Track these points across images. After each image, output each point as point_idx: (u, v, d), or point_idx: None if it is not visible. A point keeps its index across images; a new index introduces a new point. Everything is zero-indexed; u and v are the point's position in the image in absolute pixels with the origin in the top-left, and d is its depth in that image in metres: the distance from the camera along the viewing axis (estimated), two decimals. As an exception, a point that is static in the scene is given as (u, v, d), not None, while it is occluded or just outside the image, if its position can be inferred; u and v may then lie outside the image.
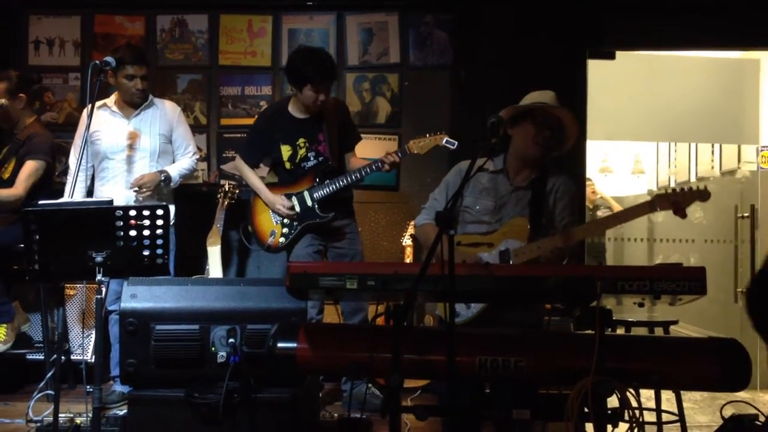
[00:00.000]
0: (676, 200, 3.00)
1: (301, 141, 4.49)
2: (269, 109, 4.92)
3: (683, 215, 3.04)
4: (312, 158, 4.50)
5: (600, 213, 7.91)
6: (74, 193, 4.13)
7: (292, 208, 4.46)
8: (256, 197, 4.63)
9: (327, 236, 4.53)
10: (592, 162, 7.69)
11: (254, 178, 4.60)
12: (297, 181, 4.51)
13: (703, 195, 3.00)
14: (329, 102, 4.52)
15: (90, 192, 4.71)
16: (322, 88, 4.34)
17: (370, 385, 4.23)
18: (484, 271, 2.72)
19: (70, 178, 4.45)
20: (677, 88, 6.53)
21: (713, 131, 6.79)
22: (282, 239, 4.51)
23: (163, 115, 4.67)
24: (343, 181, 4.44)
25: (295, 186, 4.51)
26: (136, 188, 4.48)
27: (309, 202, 4.47)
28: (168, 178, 4.60)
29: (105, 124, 4.61)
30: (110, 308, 4.42)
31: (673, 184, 8.32)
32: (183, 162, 4.72)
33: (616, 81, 6.10)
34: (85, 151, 4.19)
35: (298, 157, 4.49)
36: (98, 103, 4.52)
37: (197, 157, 4.85)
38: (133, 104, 4.61)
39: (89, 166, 4.65)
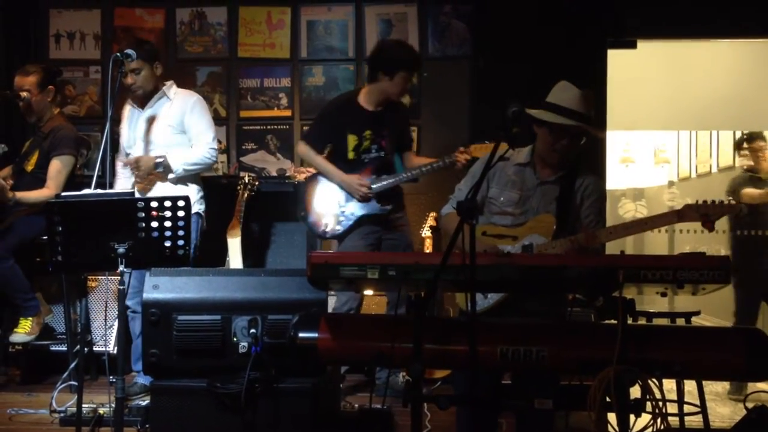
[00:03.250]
0: (705, 212, 2.97)
1: (367, 133, 4.56)
2: (339, 98, 4.96)
3: (711, 228, 3.02)
4: (374, 151, 4.58)
5: None
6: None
7: (369, 187, 4.51)
8: (312, 183, 4.67)
9: (380, 226, 4.58)
10: (612, 152, 7.64)
11: (323, 162, 4.61)
12: (357, 172, 4.56)
13: (734, 209, 2.99)
14: (399, 103, 4.71)
15: None
16: (410, 78, 4.51)
17: (403, 374, 4.28)
18: (506, 260, 2.71)
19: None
20: (701, 75, 6.48)
21: (738, 118, 6.73)
22: (338, 227, 4.56)
23: (175, 106, 4.53)
24: (403, 176, 4.56)
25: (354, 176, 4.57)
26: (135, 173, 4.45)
27: (368, 183, 4.54)
28: (164, 166, 4.40)
29: (127, 117, 4.64)
30: (128, 303, 4.35)
31: (694, 174, 8.26)
32: (193, 152, 4.47)
33: (637, 70, 6.06)
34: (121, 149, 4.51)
35: (362, 147, 4.57)
36: (129, 99, 4.64)
37: (215, 147, 4.57)
38: (145, 98, 4.53)
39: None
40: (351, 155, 4.57)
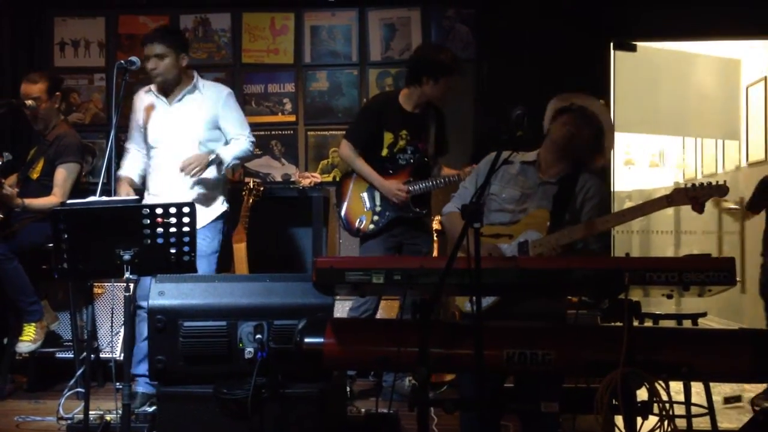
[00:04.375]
0: (694, 195, 2.98)
1: (403, 132, 4.62)
2: (380, 96, 5.09)
3: (700, 210, 3.04)
4: (409, 152, 4.63)
5: None
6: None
7: (408, 193, 4.55)
8: (347, 181, 4.73)
9: (407, 230, 4.63)
10: (616, 154, 7.66)
11: (364, 165, 4.63)
12: (394, 173, 4.61)
13: (721, 190, 2.99)
14: (437, 108, 4.74)
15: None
16: (452, 82, 4.54)
17: (410, 379, 4.28)
18: (511, 264, 2.71)
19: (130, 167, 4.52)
20: (680, 84, 6.55)
21: (704, 127, 6.86)
22: (372, 225, 4.60)
23: (207, 100, 4.43)
24: (440, 182, 4.60)
25: (391, 178, 4.60)
26: (184, 172, 4.27)
27: (407, 189, 4.58)
28: (218, 160, 4.35)
29: (149, 109, 4.44)
30: (141, 303, 4.32)
31: (700, 175, 8.26)
32: (237, 144, 4.43)
33: (639, 73, 6.07)
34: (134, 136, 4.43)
35: (397, 147, 4.62)
36: (145, 88, 4.49)
37: (253, 140, 4.53)
38: (167, 86, 4.39)
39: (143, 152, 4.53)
40: (385, 152, 4.62)
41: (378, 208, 4.60)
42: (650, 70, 6.28)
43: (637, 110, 6.31)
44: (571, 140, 3.25)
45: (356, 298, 4.57)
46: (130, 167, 4.54)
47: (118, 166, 4.44)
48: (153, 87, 4.47)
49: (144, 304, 4.16)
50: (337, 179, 5.03)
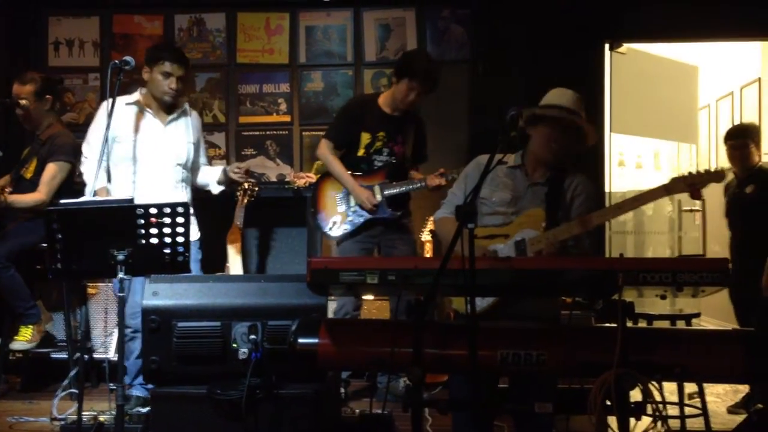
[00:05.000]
0: (692, 182, 2.99)
1: (381, 134, 4.61)
2: (360, 96, 5.12)
3: (698, 196, 3.06)
4: (385, 153, 4.63)
5: None
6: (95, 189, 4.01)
7: (377, 204, 4.56)
8: (323, 182, 4.72)
9: (385, 229, 4.63)
10: (614, 155, 7.70)
11: (340, 168, 4.63)
12: (369, 174, 4.61)
13: (718, 176, 3.00)
14: (417, 114, 4.75)
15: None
16: (416, 87, 4.47)
17: (404, 379, 4.28)
18: (505, 264, 2.71)
19: (89, 177, 4.19)
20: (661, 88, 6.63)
21: (670, 130, 6.91)
22: (346, 226, 4.61)
23: (194, 124, 4.46)
24: (415, 185, 4.59)
25: (366, 179, 4.60)
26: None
27: (379, 198, 4.56)
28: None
29: (135, 124, 4.30)
30: (128, 322, 4.20)
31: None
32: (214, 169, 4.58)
33: (630, 75, 6.10)
34: (104, 149, 3.95)
35: (374, 147, 4.62)
36: (126, 99, 4.29)
37: None
38: (164, 105, 4.32)
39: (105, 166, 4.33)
40: (361, 152, 4.62)
41: (352, 210, 4.60)
42: (640, 73, 6.31)
43: (633, 112, 6.33)
44: (552, 153, 3.27)
45: (337, 301, 4.57)
46: (102, 179, 4.30)
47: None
48: (142, 101, 4.33)
49: (132, 323, 4.09)
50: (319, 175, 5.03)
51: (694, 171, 3.05)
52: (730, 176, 5.01)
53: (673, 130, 7.05)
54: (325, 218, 4.66)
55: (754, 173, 4.86)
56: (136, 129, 4.30)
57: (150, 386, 4.28)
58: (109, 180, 4.34)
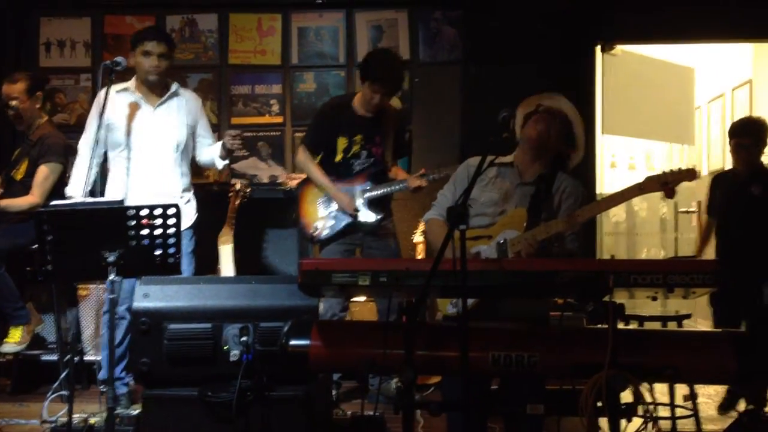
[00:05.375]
0: (665, 181, 3.01)
1: (358, 137, 4.58)
2: (334, 99, 5.00)
3: (671, 195, 3.08)
4: (364, 156, 4.59)
5: None
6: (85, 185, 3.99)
7: (356, 210, 4.54)
8: (305, 187, 4.71)
9: (366, 233, 4.61)
10: (606, 157, 7.74)
11: (319, 173, 4.62)
12: (350, 178, 4.59)
13: (690, 174, 3.02)
14: (391, 110, 4.68)
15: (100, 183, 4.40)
16: (378, 90, 4.43)
17: (396, 381, 4.27)
18: (496, 266, 2.71)
19: (81, 168, 4.25)
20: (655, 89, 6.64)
21: (666, 131, 6.94)
22: (327, 231, 4.59)
23: (188, 105, 4.47)
24: (396, 187, 4.55)
25: (347, 183, 4.59)
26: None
27: (359, 201, 4.55)
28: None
29: (127, 111, 4.34)
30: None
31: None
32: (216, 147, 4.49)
33: (622, 77, 6.11)
34: (100, 139, 4.08)
35: (351, 152, 4.58)
36: (118, 86, 4.31)
37: None
38: (152, 87, 4.35)
39: (100, 154, 4.32)
40: (339, 157, 4.59)
41: (333, 214, 4.59)
42: (633, 75, 6.32)
43: (623, 113, 6.34)
44: (542, 138, 3.29)
45: (323, 303, 4.56)
46: (76, 186, 4.26)
47: (103, 168, 4.38)
48: (131, 87, 4.38)
49: (119, 309, 4.11)
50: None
51: (667, 170, 3.07)
52: (719, 175, 5.00)
53: (670, 132, 7.06)
54: (307, 224, 4.65)
55: (758, 172, 4.69)
56: (128, 115, 4.35)
57: (128, 379, 4.31)
58: (105, 171, 4.40)
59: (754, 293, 4.31)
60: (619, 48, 5.89)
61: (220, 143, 4.45)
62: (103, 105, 4.01)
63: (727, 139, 4.84)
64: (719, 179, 5.02)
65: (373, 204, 4.57)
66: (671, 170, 3.05)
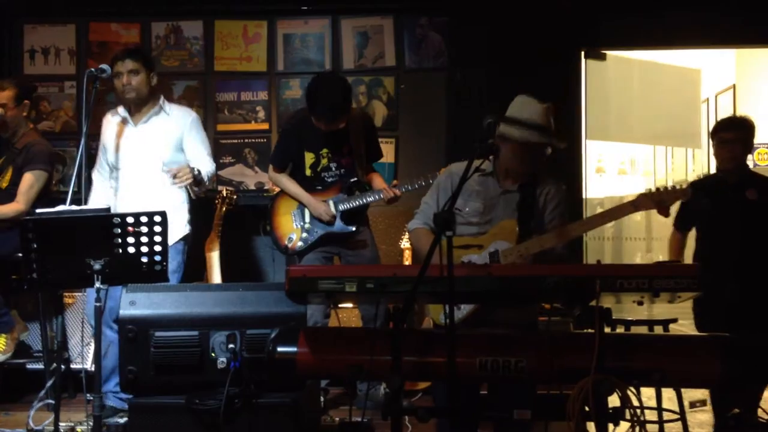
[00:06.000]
0: (659, 199, 3.03)
1: (324, 151, 4.54)
2: (297, 114, 4.91)
3: (666, 213, 3.10)
4: (334, 168, 4.56)
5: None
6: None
7: (334, 217, 4.50)
8: (279, 199, 4.67)
9: (341, 244, 4.58)
10: (590, 162, 7.75)
11: (292, 185, 4.59)
12: (323, 190, 4.55)
13: (685, 194, 3.04)
14: (355, 114, 4.61)
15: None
16: (320, 122, 4.38)
17: (384, 387, 4.27)
18: (483, 271, 2.72)
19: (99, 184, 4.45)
20: (650, 93, 6.66)
21: (669, 136, 6.96)
22: (300, 243, 4.56)
23: (174, 122, 4.44)
24: (370, 198, 4.51)
25: (321, 194, 4.55)
26: (173, 177, 4.18)
27: (333, 211, 4.52)
28: (199, 177, 4.25)
29: (113, 131, 4.43)
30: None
31: (670, 183, 8.35)
32: (204, 167, 4.36)
33: (608, 82, 6.14)
34: (102, 162, 4.23)
35: (320, 166, 4.55)
36: (112, 111, 4.49)
37: (215, 165, 4.57)
38: (136, 105, 4.38)
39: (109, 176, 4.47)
40: (308, 172, 4.57)
41: (307, 226, 4.56)
42: (621, 79, 6.35)
43: (608, 118, 6.38)
44: (523, 167, 3.27)
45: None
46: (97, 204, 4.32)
47: (89, 175, 4.36)
48: (120, 109, 4.47)
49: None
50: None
51: (661, 188, 3.08)
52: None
53: (674, 136, 7.03)
54: (280, 236, 4.62)
55: (749, 176, 4.29)
56: (115, 137, 4.42)
57: (124, 396, 4.28)
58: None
59: (747, 300, 4.14)
60: (612, 53, 5.92)
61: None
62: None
63: (710, 143, 4.46)
64: (700, 186, 4.48)
65: (347, 216, 4.53)
66: (665, 188, 3.06)
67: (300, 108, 5.30)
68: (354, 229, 4.54)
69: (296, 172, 4.62)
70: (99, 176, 4.54)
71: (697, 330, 4.30)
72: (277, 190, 5.03)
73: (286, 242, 4.59)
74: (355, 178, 4.57)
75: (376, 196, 4.51)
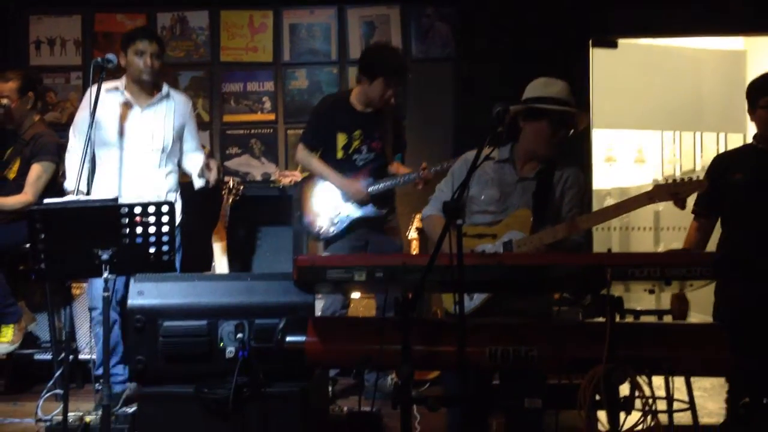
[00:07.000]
0: (675, 191, 2.99)
1: (357, 132, 4.55)
2: (331, 96, 4.96)
3: (682, 206, 3.06)
4: (365, 151, 4.56)
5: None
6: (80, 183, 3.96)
7: (368, 196, 4.50)
8: (308, 184, 4.66)
9: (372, 229, 4.58)
10: (598, 151, 7.70)
11: (323, 166, 4.58)
12: (353, 174, 4.55)
13: (701, 185, 3.00)
14: (390, 104, 4.63)
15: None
16: (393, 84, 4.43)
17: (392, 377, 4.27)
18: (493, 260, 2.70)
19: (73, 165, 4.23)
20: (675, 79, 6.57)
21: (711, 121, 6.85)
22: (333, 228, 4.56)
23: (178, 109, 4.44)
24: (400, 180, 4.53)
25: (351, 178, 4.55)
26: (208, 174, 4.25)
27: (366, 191, 4.53)
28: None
29: (115, 110, 4.32)
30: (94, 305, 4.35)
31: (678, 173, 8.31)
32: (200, 156, 4.43)
33: (619, 70, 6.10)
34: (90, 137, 3.95)
35: (352, 148, 4.55)
36: (108, 85, 4.26)
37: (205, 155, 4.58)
38: (144, 87, 4.34)
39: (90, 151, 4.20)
40: (340, 154, 4.56)
41: (338, 212, 4.56)
42: (636, 66, 6.29)
43: (620, 106, 6.34)
44: (551, 148, 3.28)
45: (324, 300, 4.56)
46: (73, 180, 4.16)
47: (93, 166, 4.29)
48: (120, 86, 4.37)
49: (97, 305, 4.15)
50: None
51: (678, 179, 3.04)
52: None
53: (716, 121, 6.90)
54: (312, 221, 4.61)
55: None
56: (117, 115, 4.34)
57: (124, 378, 4.29)
58: (94, 167, 4.32)
59: None
60: (626, 41, 5.87)
61: (202, 157, 4.39)
62: (95, 102, 3.97)
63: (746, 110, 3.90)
64: (731, 158, 3.91)
65: (377, 199, 4.54)
66: (682, 180, 3.03)
67: (332, 92, 5.39)
68: (386, 211, 4.56)
69: (326, 157, 4.60)
70: (77, 144, 4.25)
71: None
72: (286, 181, 5.02)
73: (319, 228, 4.58)
74: (384, 163, 4.60)
75: (407, 178, 4.52)
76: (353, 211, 4.54)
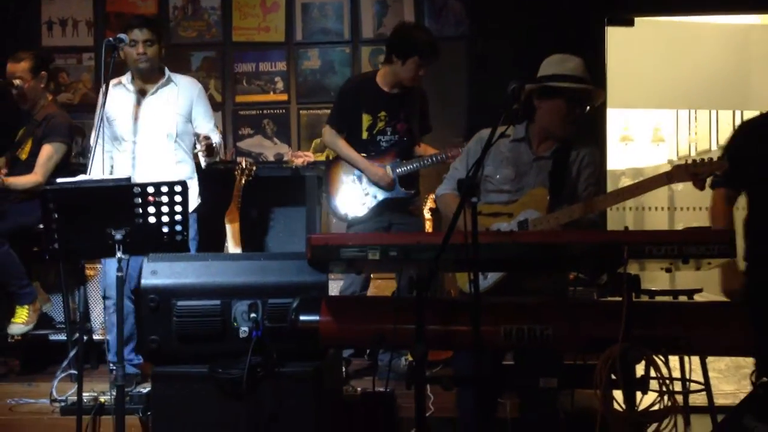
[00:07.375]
0: (695, 171, 2.95)
1: (382, 114, 4.54)
2: (357, 76, 5.00)
3: (701, 187, 3.01)
4: (389, 133, 4.55)
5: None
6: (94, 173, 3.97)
7: (393, 181, 4.50)
8: (334, 167, 4.65)
9: (398, 211, 4.57)
10: (612, 131, 7.64)
11: (349, 150, 4.55)
12: (377, 156, 4.54)
13: (722, 166, 2.95)
14: (419, 85, 4.62)
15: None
16: (426, 63, 4.42)
17: (406, 357, 4.27)
18: (508, 238, 2.68)
19: (90, 162, 4.15)
20: (695, 55, 6.48)
21: (730, 97, 6.75)
22: (360, 210, 4.55)
23: (182, 93, 4.45)
24: (427, 161, 4.53)
25: (376, 160, 4.54)
26: (204, 150, 4.24)
27: (392, 176, 4.52)
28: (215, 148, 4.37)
29: (120, 103, 4.41)
30: (108, 294, 4.35)
31: (693, 153, 8.25)
32: (213, 137, 4.38)
33: (635, 48, 6.04)
34: (101, 133, 4.04)
35: (376, 128, 4.55)
36: (114, 81, 4.35)
37: (220, 135, 4.62)
38: (145, 76, 4.37)
39: (108, 149, 4.37)
40: (365, 135, 4.55)
41: (366, 193, 4.54)
42: (652, 44, 6.22)
43: (636, 85, 6.27)
44: (567, 127, 3.24)
45: (344, 280, 4.55)
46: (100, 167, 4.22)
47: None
48: (124, 80, 4.43)
49: (111, 294, 4.15)
50: (331, 158, 4.98)
51: (698, 160, 2.98)
52: None
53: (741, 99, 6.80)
54: (339, 202, 4.60)
55: None
56: (123, 107, 4.39)
57: (138, 361, 4.31)
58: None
59: None
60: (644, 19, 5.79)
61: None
62: (104, 99, 4.00)
63: None
64: (756, 127, 3.42)
65: (403, 180, 4.53)
66: (702, 160, 2.97)
67: (358, 73, 5.39)
68: (413, 191, 4.57)
69: (351, 138, 4.58)
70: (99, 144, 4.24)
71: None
72: (299, 162, 5.01)
73: (346, 210, 4.57)
74: (409, 144, 4.59)
75: (436, 159, 4.52)
76: (380, 193, 4.53)
